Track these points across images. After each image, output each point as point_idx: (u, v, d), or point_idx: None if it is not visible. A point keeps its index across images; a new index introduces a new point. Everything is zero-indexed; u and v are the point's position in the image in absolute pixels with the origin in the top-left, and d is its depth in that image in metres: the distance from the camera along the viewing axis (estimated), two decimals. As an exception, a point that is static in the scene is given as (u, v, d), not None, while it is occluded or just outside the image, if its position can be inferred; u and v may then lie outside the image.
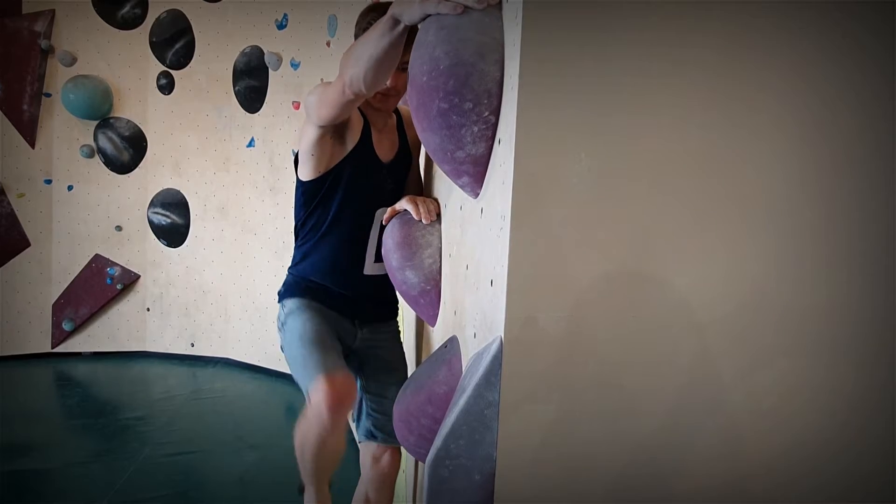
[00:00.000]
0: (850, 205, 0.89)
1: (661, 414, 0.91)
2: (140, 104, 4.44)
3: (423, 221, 1.53)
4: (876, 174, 0.89)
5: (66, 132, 4.39)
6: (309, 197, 1.80)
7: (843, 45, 0.86)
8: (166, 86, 4.40)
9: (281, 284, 1.89)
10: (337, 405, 1.55)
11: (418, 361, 1.86)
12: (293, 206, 1.88)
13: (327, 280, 1.80)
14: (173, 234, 4.52)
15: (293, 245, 1.92)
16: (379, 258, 1.81)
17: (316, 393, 1.56)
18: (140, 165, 4.49)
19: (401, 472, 1.93)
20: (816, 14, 0.85)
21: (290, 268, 1.89)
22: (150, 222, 4.52)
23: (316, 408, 1.57)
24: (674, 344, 0.89)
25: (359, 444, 1.89)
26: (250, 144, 4.27)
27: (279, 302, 1.86)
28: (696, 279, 0.88)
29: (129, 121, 4.43)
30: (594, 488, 0.91)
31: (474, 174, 1.03)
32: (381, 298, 1.87)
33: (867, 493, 0.94)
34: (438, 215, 1.55)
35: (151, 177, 4.50)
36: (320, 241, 1.82)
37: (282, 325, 1.83)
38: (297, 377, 1.72)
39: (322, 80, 1.77)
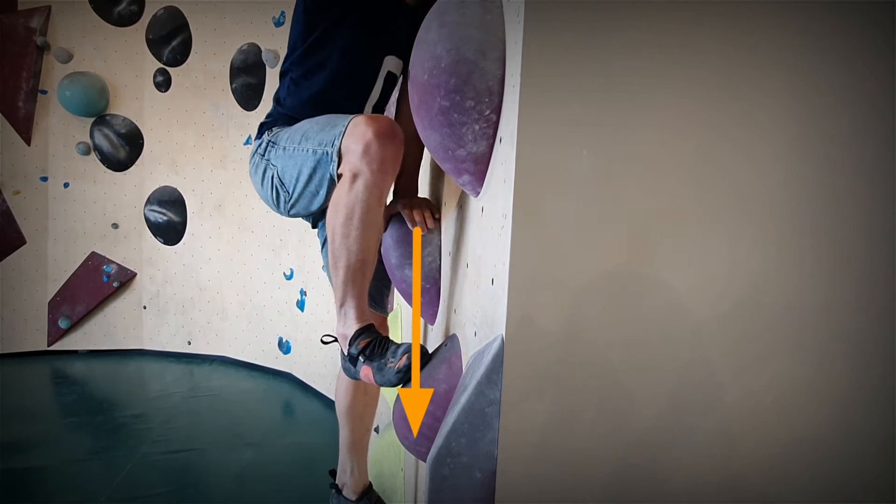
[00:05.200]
0: (849, 204, 0.90)
1: (659, 412, 0.91)
2: (136, 101, 4.43)
3: (423, 232, 1.52)
4: (876, 174, 0.89)
5: (62, 129, 4.37)
6: (314, 20, 1.61)
7: (843, 45, 0.86)
8: (163, 83, 4.39)
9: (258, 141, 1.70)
10: (389, 128, 1.34)
11: (417, 359, 1.86)
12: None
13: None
14: (170, 232, 4.51)
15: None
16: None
17: (356, 126, 1.35)
18: (136, 163, 4.48)
19: (399, 471, 1.93)
20: (816, 14, 0.86)
21: (273, 109, 1.73)
22: (147, 220, 4.51)
23: (360, 135, 1.33)
24: (673, 342, 0.90)
25: None
26: (247, 142, 4.25)
27: (257, 138, 1.69)
28: (696, 278, 0.89)
29: (125, 118, 4.42)
30: (593, 485, 0.92)
31: (475, 172, 1.03)
32: None
33: (866, 493, 0.95)
34: (437, 218, 1.55)
35: (148, 174, 4.49)
36: (315, 73, 1.64)
37: (263, 153, 1.63)
38: (306, 159, 1.49)
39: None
